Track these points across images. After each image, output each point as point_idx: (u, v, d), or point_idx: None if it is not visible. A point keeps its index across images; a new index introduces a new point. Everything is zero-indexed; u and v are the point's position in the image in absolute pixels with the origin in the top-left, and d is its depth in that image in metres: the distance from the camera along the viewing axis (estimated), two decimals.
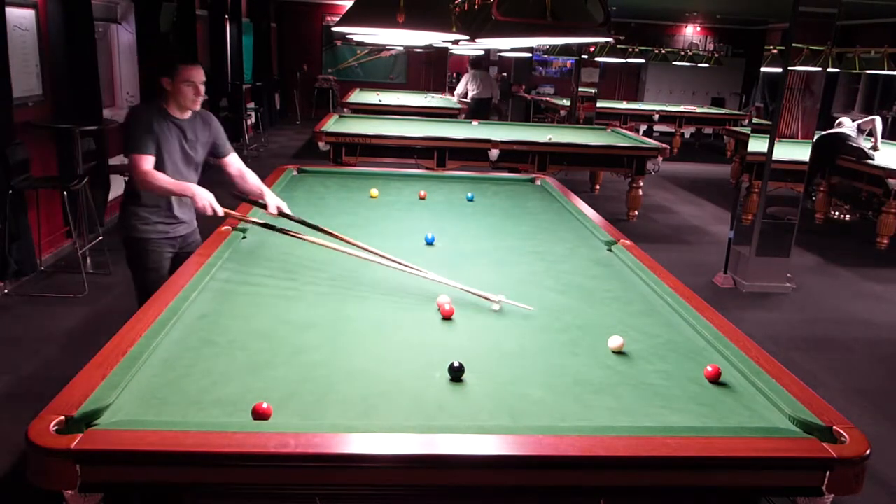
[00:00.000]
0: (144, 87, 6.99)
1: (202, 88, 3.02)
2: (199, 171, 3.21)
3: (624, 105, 13.11)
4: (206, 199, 2.91)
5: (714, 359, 2.07)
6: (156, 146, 2.95)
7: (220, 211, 2.94)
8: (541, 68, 16.18)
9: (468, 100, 10.66)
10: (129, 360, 1.81)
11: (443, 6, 2.94)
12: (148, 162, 2.91)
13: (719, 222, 7.70)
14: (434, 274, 2.58)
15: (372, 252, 2.74)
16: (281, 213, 3.07)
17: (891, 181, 6.58)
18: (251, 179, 3.25)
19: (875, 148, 7.47)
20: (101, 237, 5.42)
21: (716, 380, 1.92)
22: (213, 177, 3.35)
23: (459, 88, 11.05)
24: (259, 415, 1.61)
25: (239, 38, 10.92)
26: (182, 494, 1.53)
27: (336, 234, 2.89)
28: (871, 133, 7.65)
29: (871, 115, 8.29)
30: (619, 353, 2.08)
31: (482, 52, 11.03)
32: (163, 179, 2.93)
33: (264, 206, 3.09)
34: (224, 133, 3.30)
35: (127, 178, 3.21)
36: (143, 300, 2.96)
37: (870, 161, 6.96)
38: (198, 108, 3.07)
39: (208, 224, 3.13)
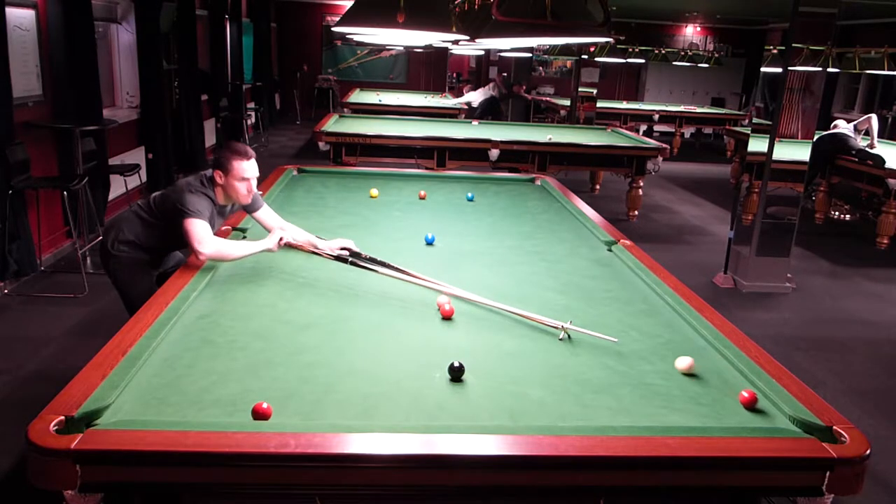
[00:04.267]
0: (144, 87, 6.98)
1: (255, 183, 2.83)
2: None
3: (624, 105, 13.10)
4: (276, 240, 2.75)
5: (714, 359, 2.07)
6: None
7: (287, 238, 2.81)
8: (541, 68, 16.18)
9: (475, 106, 10.71)
10: (129, 360, 1.81)
11: (443, 6, 2.94)
12: (209, 229, 2.67)
13: (719, 222, 7.70)
14: (498, 303, 2.39)
15: (438, 284, 2.56)
16: (352, 254, 2.83)
17: (891, 181, 6.58)
18: (299, 235, 2.99)
19: (871, 146, 7.47)
20: (100, 237, 5.41)
21: (751, 407, 1.79)
22: None
23: (468, 97, 11.13)
24: (259, 415, 1.61)
25: (239, 38, 10.92)
26: (182, 494, 1.53)
27: (409, 271, 2.67)
28: (868, 132, 7.65)
29: (869, 114, 8.28)
30: (688, 374, 1.97)
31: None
32: (231, 246, 2.70)
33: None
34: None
35: (133, 214, 2.98)
36: (133, 311, 2.94)
37: (871, 161, 6.95)
38: (248, 202, 2.88)
39: None
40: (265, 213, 3.04)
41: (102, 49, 6.79)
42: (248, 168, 2.77)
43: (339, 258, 2.78)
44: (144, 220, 2.92)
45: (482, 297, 2.45)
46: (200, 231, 2.62)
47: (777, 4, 10.49)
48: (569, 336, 2.18)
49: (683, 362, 1.99)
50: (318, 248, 2.86)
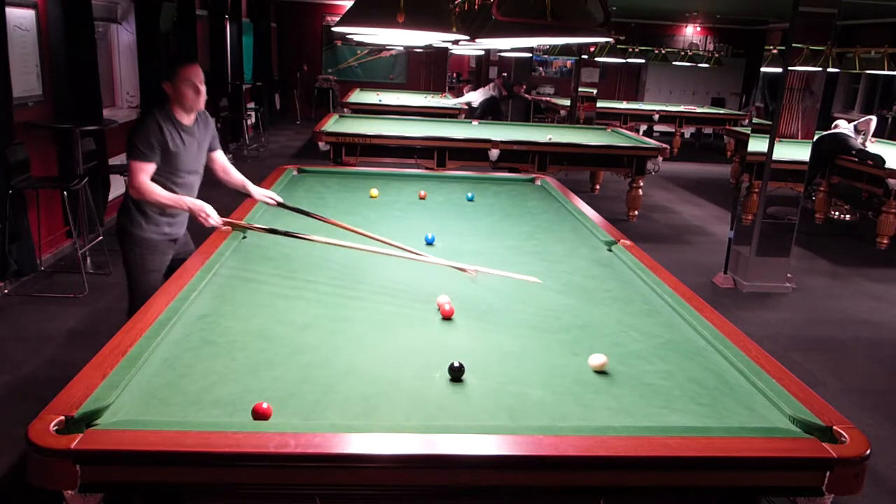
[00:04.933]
0: (144, 87, 6.98)
1: (202, 88, 2.98)
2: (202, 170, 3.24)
3: (624, 105, 13.11)
4: (205, 210, 2.92)
5: (714, 359, 2.07)
6: (165, 154, 2.92)
7: (219, 221, 2.94)
8: (541, 68, 16.19)
9: (475, 106, 10.72)
10: (129, 360, 1.81)
11: (443, 6, 2.94)
12: (146, 171, 2.88)
13: (719, 222, 7.70)
14: (412, 250, 2.83)
15: (371, 237, 2.95)
16: (280, 206, 3.23)
17: (891, 181, 6.59)
18: (234, 173, 3.33)
19: (863, 144, 7.49)
20: (101, 237, 5.43)
21: None
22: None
23: (468, 97, 11.14)
24: (259, 415, 1.61)
25: (239, 38, 10.92)
26: (182, 494, 1.53)
27: (334, 221, 3.09)
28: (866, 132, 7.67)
29: (870, 115, 8.29)
30: (600, 371, 1.95)
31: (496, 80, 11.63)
32: (157, 192, 2.90)
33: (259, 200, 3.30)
34: (215, 129, 3.31)
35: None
36: (138, 304, 2.98)
37: (871, 161, 6.95)
38: (201, 107, 3.04)
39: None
40: (220, 158, 3.32)
41: (102, 49, 6.79)
42: (192, 72, 2.92)
43: (273, 231, 2.92)
44: None
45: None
46: (136, 175, 2.87)
47: (777, 4, 10.49)
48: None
49: (597, 360, 1.96)
50: (247, 190, 3.26)
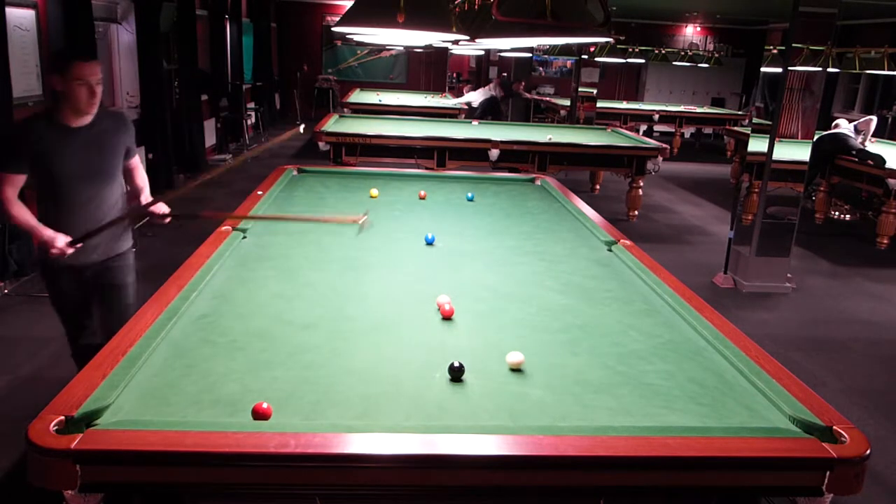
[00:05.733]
0: (144, 87, 6.99)
1: (98, 89, 2.60)
2: (116, 181, 2.81)
3: (624, 105, 13.11)
4: (57, 247, 2.58)
5: (714, 359, 2.07)
6: (37, 162, 2.58)
7: (63, 248, 2.59)
8: (541, 68, 16.19)
9: (475, 106, 10.72)
10: (129, 360, 1.81)
11: (443, 6, 2.94)
12: (11, 183, 2.58)
13: (719, 222, 7.70)
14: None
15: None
16: (171, 216, 2.83)
17: (891, 181, 6.58)
18: (137, 179, 2.96)
19: (862, 143, 7.49)
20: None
21: None
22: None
23: (468, 97, 11.15)
24: (259, 415, 1.61)
25: (239, 38, 10.93)
26: (182, 494, 1.53)
27: (218, 214, 3.39)
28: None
29: (870, 115, 8.29)
30: (516, 369, 1.94)
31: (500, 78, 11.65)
32: (18, 212, 2.61)
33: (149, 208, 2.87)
34: (134, 134, 2.90)
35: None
36: (62, 320, 2.94)
37: (872, 161, 6.95)
38: (93, 111, 2.64)
39: (209, 225, 3.12)
40: (134, 167, 2.92)
41: (102, 49, 6.80)
42: (86, 68, 2.53)
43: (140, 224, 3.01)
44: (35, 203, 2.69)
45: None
46: (3, 189, 2.59)
47: (777, 4, 10.49)
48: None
49: (514, 357, 1.94)
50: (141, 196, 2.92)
